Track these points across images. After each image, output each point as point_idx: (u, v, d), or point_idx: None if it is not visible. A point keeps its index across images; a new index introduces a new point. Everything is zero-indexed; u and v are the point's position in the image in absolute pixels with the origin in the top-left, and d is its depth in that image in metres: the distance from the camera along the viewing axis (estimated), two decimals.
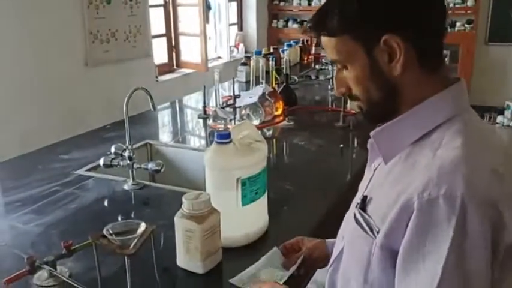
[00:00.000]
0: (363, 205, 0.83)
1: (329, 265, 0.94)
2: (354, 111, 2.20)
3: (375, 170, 0.89)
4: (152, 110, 1.69)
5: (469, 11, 5.35)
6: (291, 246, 1.13)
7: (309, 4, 5.96)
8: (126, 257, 0.89)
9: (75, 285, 0.99)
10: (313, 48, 3.94)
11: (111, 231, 0.87)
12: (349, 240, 0.87)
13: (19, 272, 1.01)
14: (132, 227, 0.89)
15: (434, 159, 0.73)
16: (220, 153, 1.14)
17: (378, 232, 0.77)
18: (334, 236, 1.24)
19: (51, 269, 1.02)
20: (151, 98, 1.64)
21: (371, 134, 0.85)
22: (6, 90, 3.01)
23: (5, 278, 0.99)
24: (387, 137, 0.83)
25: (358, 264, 0.81)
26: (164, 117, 2.58)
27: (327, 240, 1.10)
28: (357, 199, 0.87)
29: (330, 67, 3.13)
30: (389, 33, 0.77)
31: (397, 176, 0.79)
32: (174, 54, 4.88)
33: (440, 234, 0.67)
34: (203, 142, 2.16)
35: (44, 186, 1.57)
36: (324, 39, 0.84)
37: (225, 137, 1.13)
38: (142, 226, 0.89)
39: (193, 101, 2.84)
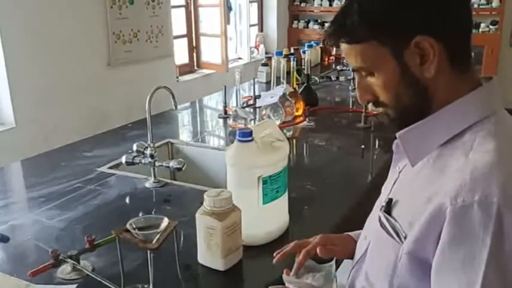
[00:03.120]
0: (388, 208, 0.80)
1: (352, 266, 0.92)
2: (375, 112, 2.18)
3: (400, 172, 0.86)
4: (174, 108, 1.70)
5: (493, 12, 5.26)
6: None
7: (330, 5, 5.93)
8: (149, 252, 0.90)
9: (98, 279, 1.00)
10: (334, 49, 3.92)
11: (134, 226, 0.88)
12: (373, 244, 0.84)
13: (43, 265, 1.03)
14: (155, 222, 0.90)
15: (466, 163, 0.70)
16: (242, 152, 1.15)
17: (404, 237, 0.74)
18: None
19: (74, 262, 1.04)
20: (173, 96, 1.65)
21: (397, 135, 0.82)
22: (31, 90, 3.07)
23: (30, 270, 1.01)
24: (414, 139, 0.79)
25: (383, 269, 0.78)
26: (184, 116, 2.60)
27: (351, 233, 1.05)
28: (381, 201, 0.85)
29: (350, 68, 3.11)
30: (420, 34, 0.73)
31: (425, 179, 0.76)
32: (194, 54, 4.92)
33: (477, 242, 0.64)
34: (223, 142, 2.17)
35: (67, 183, 1.60)
36: (346, 47, 0.79)
37: (247, 135, 1.13)
38: (165, 221, 0.89)
39: (213, 101, 2.86)
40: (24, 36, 3.00)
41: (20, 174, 1.86)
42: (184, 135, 2.28)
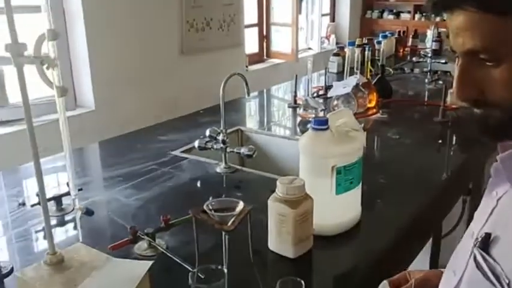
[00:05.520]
0: (486, 245, 0.66)
1: None
2: (454, 106, 2.07)
3: (498, 200, 0.70)
4: (246, 96, 1.72)
5: None
6: (398, 282, 0.95)
7: None
8: (224, 233, 0.91)
9: (173, 257, 1.03)
10: (410, 40, 3.78)
11: (210, 207, 0.89)
12: (466, 286, 0.71)
13: (123, 241, 1.08)
14: (230, 205, 0.91)
15: None
16: (317, 140, 1.13)
17: (508, 284, 0.61)
18: (426, 236, 1.15)
19: (151, 240, 1.08)
20: (246, 83, 1.66)
21: (498, 158, 0.69)
22: (109, 75, 3.22)
23: (110, 245, 1.07)
24: None
25: None
26: (253, 105, 2.61)
27: (443, 270, 0.90)
28: (475, 232, 0.71)
29: (428, 60, 2.98)
30: None
31: None
32: (264, 44, 4.93)
33: None
34: (292, 131, 2.16)
35: (142, 164, 1.66)
36: (471, 17, 0.60)
37: (322, 123, 1.11)
38: (241, 205, 0.90)
39: (282, 90, 2.85)
40: (105, 24, 3.14)
41: (98, 155, 1.96)
42: (253, 123, 2.30)
